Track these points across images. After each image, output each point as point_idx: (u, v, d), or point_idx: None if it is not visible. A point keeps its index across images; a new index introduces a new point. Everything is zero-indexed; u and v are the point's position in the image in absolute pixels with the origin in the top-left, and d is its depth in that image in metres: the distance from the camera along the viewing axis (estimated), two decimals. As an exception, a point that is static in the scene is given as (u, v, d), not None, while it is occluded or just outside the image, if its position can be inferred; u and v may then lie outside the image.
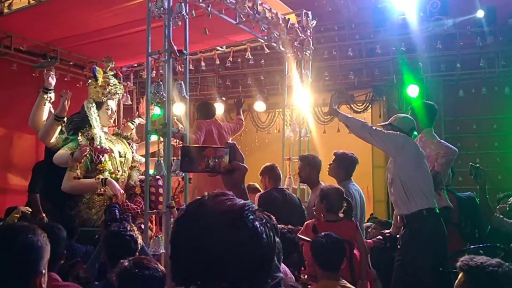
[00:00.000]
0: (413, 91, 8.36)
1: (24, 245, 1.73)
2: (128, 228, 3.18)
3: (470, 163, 4.77)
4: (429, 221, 4.04)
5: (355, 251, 3.99)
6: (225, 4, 4.90)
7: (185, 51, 4.31)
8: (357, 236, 4.11)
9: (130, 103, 7.09)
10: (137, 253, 3.21)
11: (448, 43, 8.76)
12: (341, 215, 4.15)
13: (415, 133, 4.64)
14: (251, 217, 1.19)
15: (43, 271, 1.76)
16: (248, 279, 1.17)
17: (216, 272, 1.15)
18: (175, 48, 4.19)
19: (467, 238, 4.70)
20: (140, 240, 3.24)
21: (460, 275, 2.21)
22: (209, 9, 4.75)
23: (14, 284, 1.71)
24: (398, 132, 4.26)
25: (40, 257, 1.76)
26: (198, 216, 1.19)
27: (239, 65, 9.42)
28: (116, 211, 4.10)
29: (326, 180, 5.33)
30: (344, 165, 4.97)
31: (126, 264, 2.41)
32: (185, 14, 4.23)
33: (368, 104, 9.47)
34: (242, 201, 1.23)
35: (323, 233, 3.33)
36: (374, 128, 4.36)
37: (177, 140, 5.72)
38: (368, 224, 5.76)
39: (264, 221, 1.22)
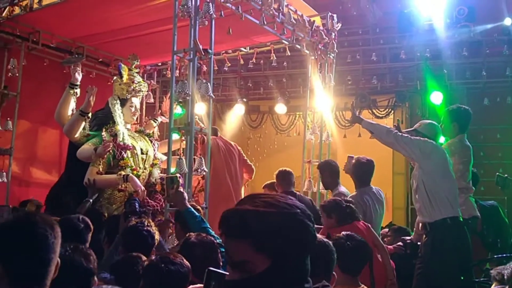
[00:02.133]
0: (437, 98, 8.27)
1: (38, 237, 1.73)
2: (146, 224, 3.21)
3: (497, 173, 4.68)
4: (453, 230, 3.97)
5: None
6: (251, 5, 4.91)
7: (210, 51, 4.34)
8: (373, 237, 4.05)
9: (153, 101, 7.16)
10: (154, 249, 3.24)
11: (474, 50, 8.65)
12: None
13: (442, 139, 4.57)
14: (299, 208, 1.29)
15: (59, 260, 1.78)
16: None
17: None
18: (201, 47, 4.21)
19: (489, 247, 4.63)
20: (157, 236, 3.27)
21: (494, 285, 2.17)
22: (239, 10, 4.77)
23: (29, 275, 1.71)
24: (426, 139, 4.20)
25: (54, 248, 1.77)
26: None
27: (261, 67, 9.43)
28: (136, 204, 4.14)
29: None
30: (356, 171, 4.92)
31: (153, 258, 2.43)
32: (213, 13, 4.26)
33: (390, 110, 9.40)
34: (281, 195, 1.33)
35: (344, 233, 3.25)
36: (400, 134, 4.28)
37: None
38: (385, 230, 5.68)
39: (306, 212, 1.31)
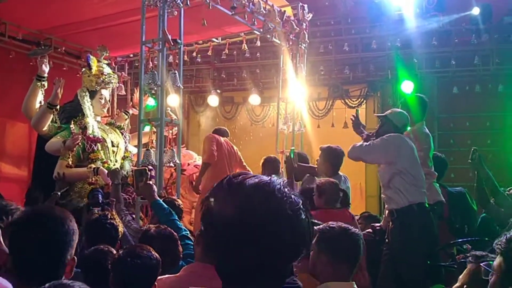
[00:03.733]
0: (407, 87, 8.36)
1: (55, 231, 1.71)
2: (109, 216, 3.20)
3: (473, 148, 4.78)
4: (419, 216, 4.06)
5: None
6: (221, -5, 4.90)
7: (179, 41, 4.31)
8: (354, 226, 4.12)
9: (125, 93, 7.08)
10: (119, 241, 3.24)
11: (443, 40, 8.77)
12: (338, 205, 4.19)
13: (408, 128, 4.65)
14: (286, 189, 1.10)
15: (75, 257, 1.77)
16: (280, 264, 1.09)
17: (250, 251, 1.06)
18: (170, 37, 4.19)
19: (456, 233, 4.73)
20: (121, 228, 3.26)
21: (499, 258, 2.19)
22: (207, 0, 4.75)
23: (46, 271, 1.68)
24: (388, 135, 4.25)
25: (73, 241, 1.76)
26: (228, 193, 1.09)
27: (235, 58, 9.40)
28: (100, 195, 4.12)
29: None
30: (329, 158, 4.95)
31: (120, 253, 2.42)
32: (180, 3, 4.23)
33: (362, 100, 9.46)
34: (268, 176, 1.13)
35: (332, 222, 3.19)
36: (366, 145, 4.34)
37: (171, 131, 5.75)
38: (357, 217, 5.78)
39: (299, 197, 1.13)
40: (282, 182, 1.11)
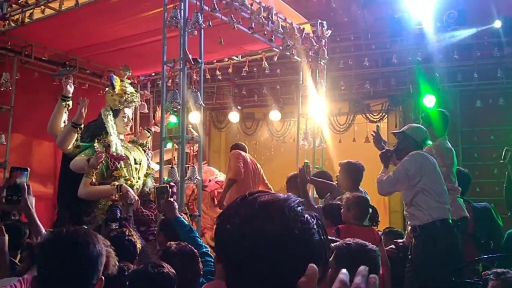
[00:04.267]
0: (429, 101, 8.30)
1: (86, 253, 1.74)
2: (127, 233, 3.23)
3: (505, 147, 4.71)
4: (443, 232, 3.99)
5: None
6: (241, 14, 4.97)
7: (200, 60, 4.38)
8: (381, 248, 4.08)
9: (147, 111, 7.19)
10: (137, 257, 3.27)
11: (465, 53, 8.72)
12: (366, 223, 4.15)
13: (429, 142, 4.61)
14: (299, 208, 1.06)
15: (102, 278, 1.80)
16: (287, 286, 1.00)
17: (251, 270, 1.02)
18: (190, 56, 4.26)
19: (482, 249, 4.64)
20: (139, 244, 3.29)
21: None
22: (232, 19, 4.82)
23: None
24: (408, 157, 4.20)
25: (100, 264, 1.79)
26: (238, 210, 1.07)
27: (255, 75, 9.49)
28: (118, 211, 4.17)
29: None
30: (350, 174, 4.89)
31: (142, 265, 2.46)
32: (201, 23, 4.31)
33: (384, 114, 9.43)
34: (285, 195, 1.09)
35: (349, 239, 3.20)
36: (389, 176, 4.27)
37: (192, 148, 5.82)
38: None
39: (314, 216, 1.07)
40: (297, 201, 1.07)
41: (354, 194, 4.27)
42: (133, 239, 3.17)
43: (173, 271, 2.41)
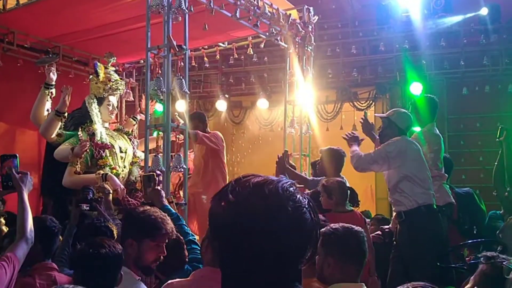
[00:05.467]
0: (416, 88, 8.33)
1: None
2: (102, 220, 3.22)
3: (500, 125, 4.75)
4: (428, 217, 4.03)
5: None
6: (225, 0, 4.91)
7: (184, 46, 4.33)
8: (365, 232, 4.10)
9: (133, 99, 7.11)
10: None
11: (452, 40, 8.74)
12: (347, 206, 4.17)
13: (415, 129, 4.61)
14: (291, 188, 1.08)
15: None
16: (281, 266, 1.05)
17: (247, 249, 1.04)
18: (175, 43, 4.20)
19: (465, 234, 4.68)
20: (115, 231, 3.26)
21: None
22: (211, 4, 4.76)
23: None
24: (392, 141, 4.21)
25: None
26: (232, 189, 1.09)
27: (242, 63, 9.44)
28: (90, 192, 4.12)
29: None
30: (332, 160, 4.88)
31: (82, 245, 2.44)
32: (184, 9, 4.24)
33: (371, 102, 9.45)
34: (277, 177, 1.12)
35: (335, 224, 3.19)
36: (367, 154, 4.31)
37: (178, 136, 5.77)
38: (368, 220, 5.74)
39: (305, 197, 1.10)
40: (289, 182, 1.10)
41: (332, 179, 4.25)
42: (109, 225, 3.13)
43: (117, 250, 2.38)
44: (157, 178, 3.99)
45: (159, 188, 3.89)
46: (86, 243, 2.47)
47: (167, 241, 2.70)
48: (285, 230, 1.04)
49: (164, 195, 3.84)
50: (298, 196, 1.08)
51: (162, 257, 2.64)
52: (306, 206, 1.08)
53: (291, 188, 1.08)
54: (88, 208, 3.84)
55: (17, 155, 2.63)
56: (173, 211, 3.71)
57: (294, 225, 1.05)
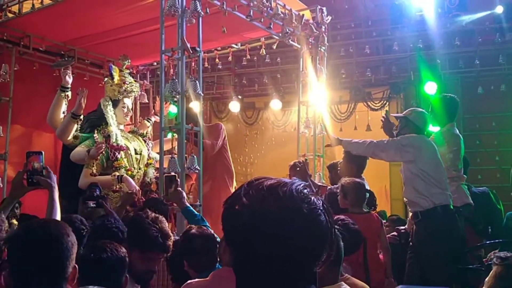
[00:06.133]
0: (431, 88, 8.26)
1: (61, 245, 1.75)
2: (113, 221, 3.18)
3: None
4: (444, 218, 3.99)
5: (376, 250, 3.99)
6: (239, 1, 4.92)
7: (198, 49, 4.34)
8: (381, 233, 4.10)
9: (147, 101, 7.15)
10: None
11: (467, 39, 8.66)
12: (364, 208, 4.16)
13: (431, 129, 4.58)
14: (305, 190, 1.08)
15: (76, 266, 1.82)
16: (296, 268, 1.04)
17: (262, 252, 1.03)
18: (188, 45, 4.22)
19: (481, 235, 4.64)
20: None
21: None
22: (224, 6, 4.77)
23: (49, 281, 1.74)
24: (412, 135, 4.20)
25: (73, 253, 1.81)
26: (246, 192, 1.08)
27: (255, 64, 9.44)
28: (97, 190, 4.14)
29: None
30: (354, 161, 4.79)
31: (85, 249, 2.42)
32: (200, 11, 4.26)
33: (385, 102, 9.40)
34: (290, 179, 1.12)
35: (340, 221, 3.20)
36: (381, 141, 4.31)
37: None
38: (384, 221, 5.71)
39: (320, 199, 1.09)
40: (302, 184, 1.09)
41: (349, 179, 4.23)
42: (120, 226, 3.09)
43: (120, 254, 2.35)
44: (178, 180, 4.02)
45: (180, 189, 3.92)
46: (88, 247, 2.45)
47: (160, 257, 2.68)
48: (301, 232, 1.03)
49: (185, 196, 3.87)
50: (312, 198, 1.07)
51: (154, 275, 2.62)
52: (321, 208, 1.07)
53: (305, 190, 1.08)
54: (94, 205, 3.87)
55: (43, 152, 2.62)
56: (196, 212, 3.74)
57: (309, 227, 1.04)
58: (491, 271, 2.38)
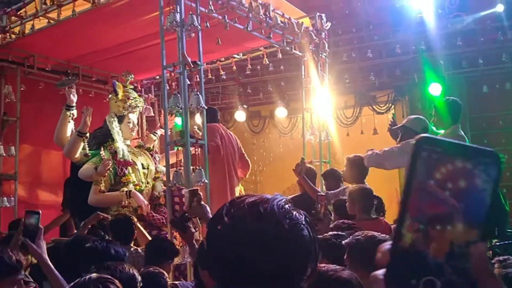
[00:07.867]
0: (435, 89, 8.26)
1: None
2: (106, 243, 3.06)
3: None
4: None
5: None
6: (237, 13, 4.96)
7: (199, 62, 4.38)
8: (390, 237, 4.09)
9: (153, 114, 7.21)
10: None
11: (469, 39, 8.64)
12: (373, 214, 4.16)
13: (439, 130, 4.59)
14: (287, 205, 1.08)
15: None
16: (282, 286, 1.04)
17: (247, 271, 1.03)
18: (189, 59, 4.26)
19: (488, 236, 4.60)
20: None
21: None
22: (225, 19, 4.82)
23: None
24: (409, 140, 4.22)
25: None
26: (227, 211, 1.09)
27: (259, 72, 9.48)
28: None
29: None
30: (357, 167, 4.86)
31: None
32: (197, 25, 4.30)
33: (390, 105, 9.39)
34: (271, 195, 1.12)
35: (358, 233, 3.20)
36: (384, 150, 4.35)
37: (198, 150, 5.80)
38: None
39: (302, 213, 1.09)
40: (284, 199, 1.09)
41: (357, 186, 4.26)
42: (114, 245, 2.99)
43: (133, 272, 2.35)
44: (201, 193, 4.01)
45: (203, 203, 3.91)
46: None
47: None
48: (284, 248, 1.03)
49: (209, 210, 3.85)
50: (294, 213, 1.07)
51: None
52: (303, 223, 1.07)
53: (287, 206, 1.08)
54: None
55: (40, 211, 2.61)
56: None
57: (292, 242, 1.04)
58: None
